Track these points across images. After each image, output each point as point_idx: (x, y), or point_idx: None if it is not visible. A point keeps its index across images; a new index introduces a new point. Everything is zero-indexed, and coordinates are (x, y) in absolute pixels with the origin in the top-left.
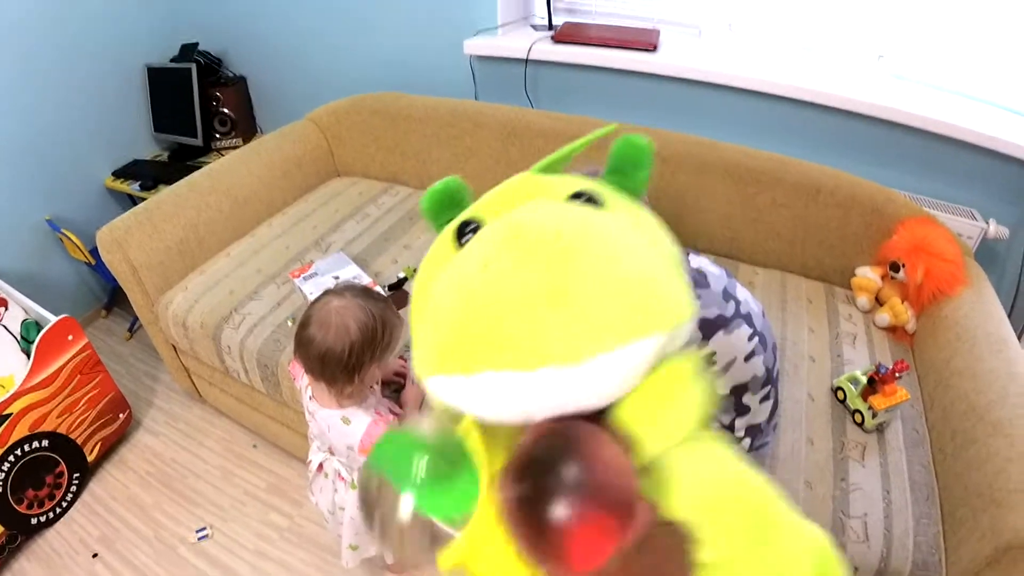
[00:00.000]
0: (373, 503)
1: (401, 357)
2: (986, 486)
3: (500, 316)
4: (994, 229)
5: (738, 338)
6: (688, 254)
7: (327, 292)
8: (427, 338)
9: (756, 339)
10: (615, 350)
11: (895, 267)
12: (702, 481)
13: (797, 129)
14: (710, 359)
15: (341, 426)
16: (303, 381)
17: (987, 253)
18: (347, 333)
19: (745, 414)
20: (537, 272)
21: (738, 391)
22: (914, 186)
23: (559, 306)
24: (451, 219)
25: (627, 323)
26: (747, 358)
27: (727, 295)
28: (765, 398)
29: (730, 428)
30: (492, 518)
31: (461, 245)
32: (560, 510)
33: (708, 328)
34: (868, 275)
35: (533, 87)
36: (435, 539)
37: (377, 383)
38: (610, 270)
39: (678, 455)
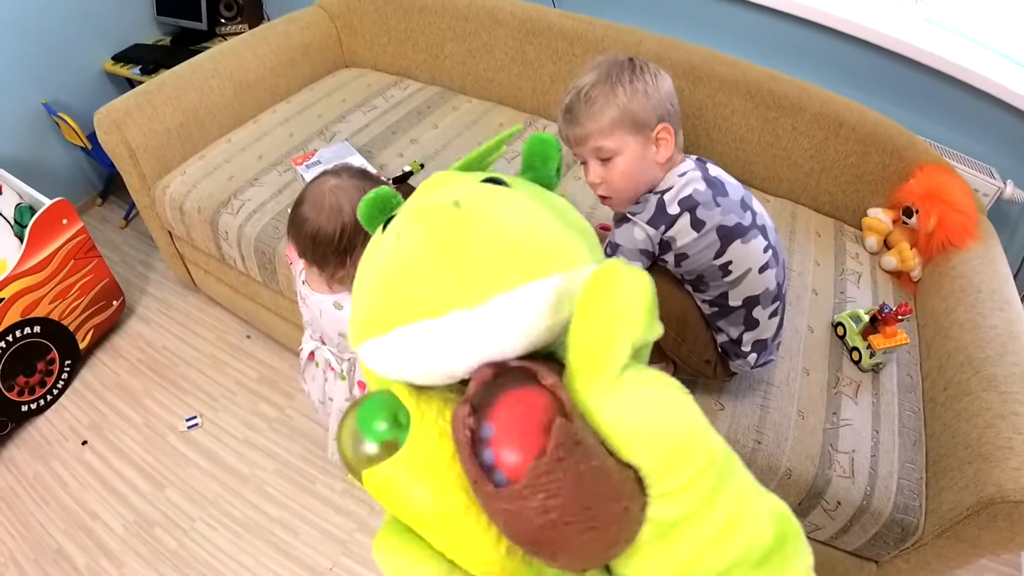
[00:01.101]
0: (346, 452)
1: None
2: (974, 439)
3: (407, 275)
4: (1011, 190)
5: (754, 248)
6: (706, 163)
7: (324, 172)
8: (355, 314)
9: (770, 252)
10: (508, 291)
11: (908, 212)
12: (654, 420)
13: (826, 58)
14: (726, 268)
15: (332, 311)
16: (298, 265)
17: (1000, 214)
18: (340, 213)
19: (754, 328)
20: (438, 234)
21: (749, 303)
22: (936, 134)
23: (458, 258)
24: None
25: (520, 267)
26: (761, 270)
27: (744, 205)
28: (774, 313)
29: (738, 342)
30: (420, 461)
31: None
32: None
33: (726, 235)
34: (880, 217)
35: None
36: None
37: None
38: (502, 226)
39: (624, 389)
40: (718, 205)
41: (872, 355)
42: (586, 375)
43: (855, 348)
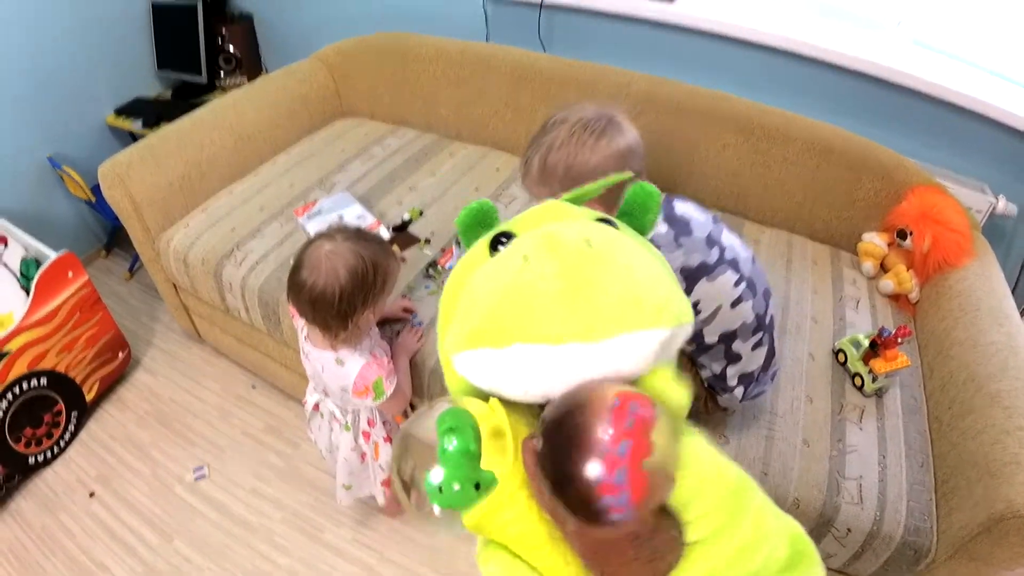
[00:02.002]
0: (404, 471)
1: (404, 296)
2: (981, 456)
3: (535, 299)
4: (1003, 205)
5: (723, 284)
6: (673, 200)
7: (319, 235)
8: (461, 321)
9: (743, 285)
10: (629, 333)
11: (902, 234)
12: (689, 467)
13: (812, 89)
14: (695, 307)
15: (335, 368)
16: (300, 321)
17: (994, 229)
18: (337, 279)
19: (736, 362)
20: (570, 267)
21: (726, 338)
22: (926, 155)
23: (587, 293)
24: (481, 235)
25: (640, 313)
26: (733, 304)
27: (711, 241)
28: (758, 344)
29: (722, 377)
30: (513, 484)
31: (494, 252)
32: (591, 462)
33: (691, 275)
34: (875, 241)
35: (547, 32)
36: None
37: (374, 325)
38: (630, 271)
39: None
40: (680, 246)
41: (874, 379)
42: None
43: (857, 373)
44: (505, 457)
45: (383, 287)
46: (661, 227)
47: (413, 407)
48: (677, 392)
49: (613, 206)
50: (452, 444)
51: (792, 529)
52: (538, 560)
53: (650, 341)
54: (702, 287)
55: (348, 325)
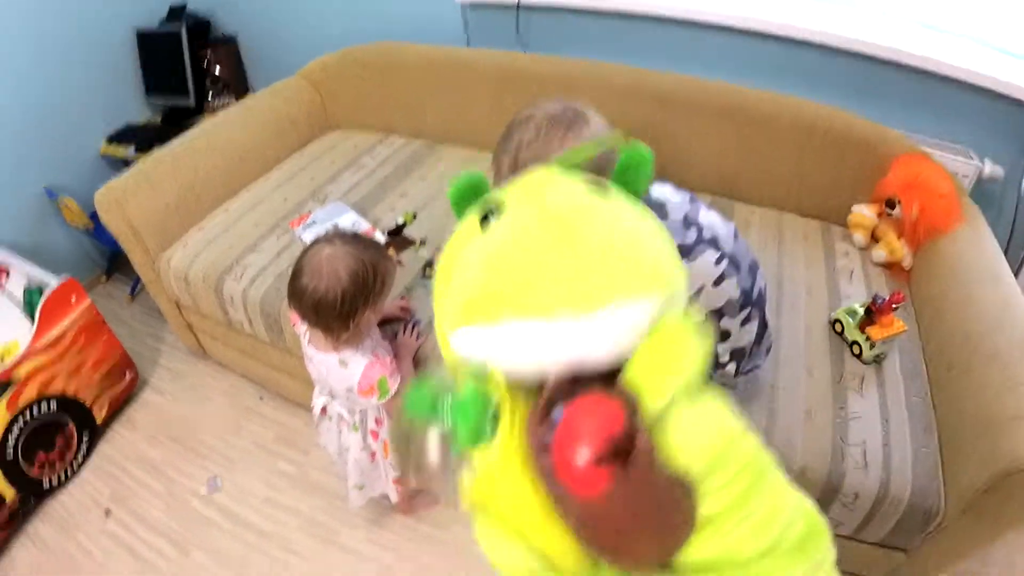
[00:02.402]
0: (406, 441)
1: (402, 297)
2: (983, 414)
3: (525, 272)
4: (989, 168)
5: (703, 264)
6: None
7: (317, 241)
8: (454, 296)
9: (724, 262)
10: (620, 304)
11: (891, 204)
12: (701, 434)
13: (790, 68)
14: None
15: (339, 369)
16: (302, 327)
17: (983, 193)
18: (338, 281)
19: (726, 339)
20: (558, 237)
21: (713, 316)
22: (909, 125)
23: (576, 265)
24: (473, 207)
25: (632, 283)
26: (716, 282)
27: (688, 222)
28: (747, 320)
29: (713, 355)
30: (509, 458)
31: (484, 224)
32: (558, 445)
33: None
34: (864, 212)
35: (526, 33)
36: (459, 475)
37: (375, 326)
38: (620, 239)
39: (680, 411)
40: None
41: (872, 346)
42: (643, 397)
43: (855, 342)
44: (503, 427)
45: (382, 288)
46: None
47: None
48: (686, 351)
49: (603, 174)
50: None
51: (807, 508)
52: (537, 536)
53: (643, 311)
54: (684, 265)
55: (350, 326)
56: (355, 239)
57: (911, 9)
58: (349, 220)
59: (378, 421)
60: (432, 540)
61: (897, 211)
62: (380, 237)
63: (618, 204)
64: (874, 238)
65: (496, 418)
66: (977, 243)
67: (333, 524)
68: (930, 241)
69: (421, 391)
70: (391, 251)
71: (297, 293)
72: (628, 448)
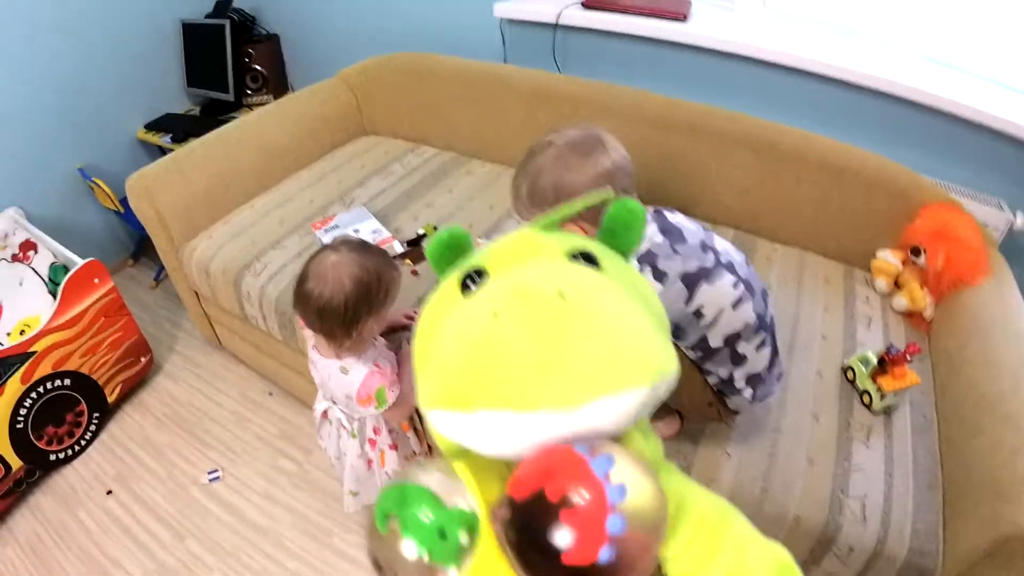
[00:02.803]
0: (379, 542)
1: (413, 307)
2: (990, 477)
3: (503, 361)
4: (1021, 221)
5: (722, 287)
6: (664, 211)
7: (324, 247)
8: (431, 375)
9: (741, 286)
10: (605, 398)
11: (916, 251)
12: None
13: (825, 107)
14: (699, 312)
15: (340, 376)
16: (308, 331)
17: (1013, 246)
18: (342, 288)
19: (742, 364)
20: (540, 326)
21: (731, 340)
22: (941, 172)
23: (558, 357)
24: (454, 265)
25: (617, 376)
26: (735, 306)
27: (705, 247)
28: (761, 345)
29: (730, 380)
30: (491, 553)
31: (465, 291)
32: (561, 531)
33: (691, 280)
34: (888, 258)
35: (562, 53)
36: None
37: (378, 335)
38: (605, 329)
39: None
40: (677, 253)
41: (883, 397)
42: None
43: (865, 391)
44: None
45: (387, 296)
46: (657, 237)
47: (421, 416)
48: (648, 447)
49: (598, 224)
50: (428, 515)
51: (780, 558)
52: None
53: (630, 402)
54: (703, 291)
55: (352, 334)
56: (362, 247)
57: (952, 55)
58: (370, 227)
59: (376, 430)
60: None
61: (922, 259)
62: (398, 247)
63: (603, 283)
64: (897, 285)
65: (473, 528)
66: (1001, 298)
67: (328, 525)
68: (954, 293)
69: (399, 490)
70: (408, 261)
71: (302, 298)
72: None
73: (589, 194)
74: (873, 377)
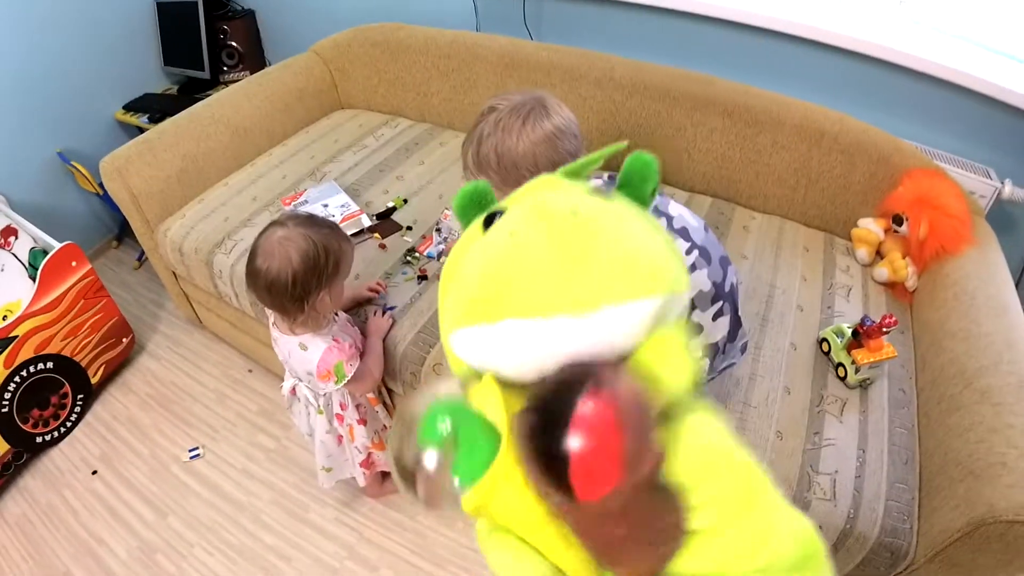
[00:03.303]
0: (403, 458)
1: (378, 280)
2: (966, 455)
3: (523, 272)
4: (1009, 190)
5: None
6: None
7: (272, 223)
8: (453, 299)
9: (695, 252)
10: (620, 304)
11: (898, 220)
12: (696, 448)
13: (806, 71)
14: None
15: (300, 352)
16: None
17: (1002, 215)
18: (289, 263)
19: (698, 333)
20: (557, 237)
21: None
22: (928, 138)
23: (575, 265)
24: (477, 215)
25: (631, 283)
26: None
27: (656, 212)
28: (719, 314)
29: None
30: (511, 464)
31: (487, 229)
32: (571, 436)
33: None
34: (870, 227)
35: (535, 20)
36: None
37: (335, 311)
38: (619, 240)
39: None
40: None
41: (857, 371)
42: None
43: (840, 364)
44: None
45: (336, 269)
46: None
47: (390, 390)
48: (679, 363)
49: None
50: (446, 425)
51: (804, 529)
52: (541, 541)
53: (642, 312)
54: None
55: (305, 308)
56: (309, 220)
57: (939, 17)
58: (339, 201)
59: (343, 405)
60: (399, 525)
61: (904, 228)
62: (366, 221)
63: (619, 207)
64: (879, 255)
65: (494, 440)
66: (986, 268)
67: (304, 500)
68: (937, 263)
69: (431, 418)
70: (376, 235)
71: (251, 275)
72: (642, 447)
73: (607, 146)
74: (848, 349)
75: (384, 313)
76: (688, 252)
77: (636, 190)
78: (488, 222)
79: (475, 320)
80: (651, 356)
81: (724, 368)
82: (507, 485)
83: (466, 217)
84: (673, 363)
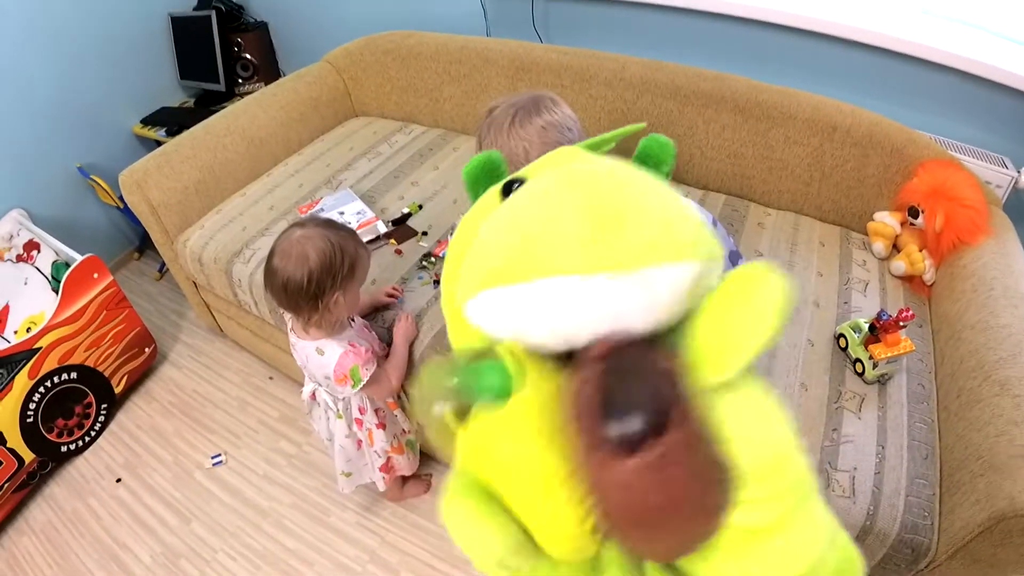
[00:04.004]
0: (418, 404)
1: (396, 286)
2: (986, 449)
3: (560, 231)
4: None
5: None
6: None
7: (292, 225)
8: (476, 264)
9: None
10: (661, 266)
11: (914, 212)
12: (762, 441)
13: (816, 65)
14: None
15: (317, 357)
16: (288, 314)
17: (1019, 205)
18: (306, 261)
19: None
20: (595, 197)
21: None
22: (942, 128)
23: (615, 224)
24: (487, 186)
25: (672, 246)
26: None
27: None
28: None
29: None
30: (519, 422)
31: (506, 197)
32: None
33: None
34: (886, 220)
35: (543, 23)
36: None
37: (352, 317)
38: (658, 204)
39: (731, 407)
40: None
41: (875, 366)
42: (714, 364)
43: (858, 359)
44: (519, 391)
45: (352, 272)
46: None
47: (407, 394)
48: (760, 314)
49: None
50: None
51: (842, 538)
52: (529, 510)
53: (681, 276)
54: None
55: (319, 307)
56: (328, 223)
57: (952, 7)
58: (355, 209)
59: (361, 410)
60: (419, 528)
61: (920, 220)
62: (382, 227)
63: (649, 176)
64: (896, 248)
65: (509, 382)
66: (1004, 259)
67: (325, 504)
68: (954, 255)
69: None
70: (392, 241)
71: (269, 274)
72: (677, 413)
73: (625, 127)
74: (866, 344)
75: (408, 315)
76: None
77: (651, 171)
78: (507, 191)
79: (506, 280)
80: (729, 304)
81: None
82: (509, 442)
83: (477, 187)
84: (755, 298)
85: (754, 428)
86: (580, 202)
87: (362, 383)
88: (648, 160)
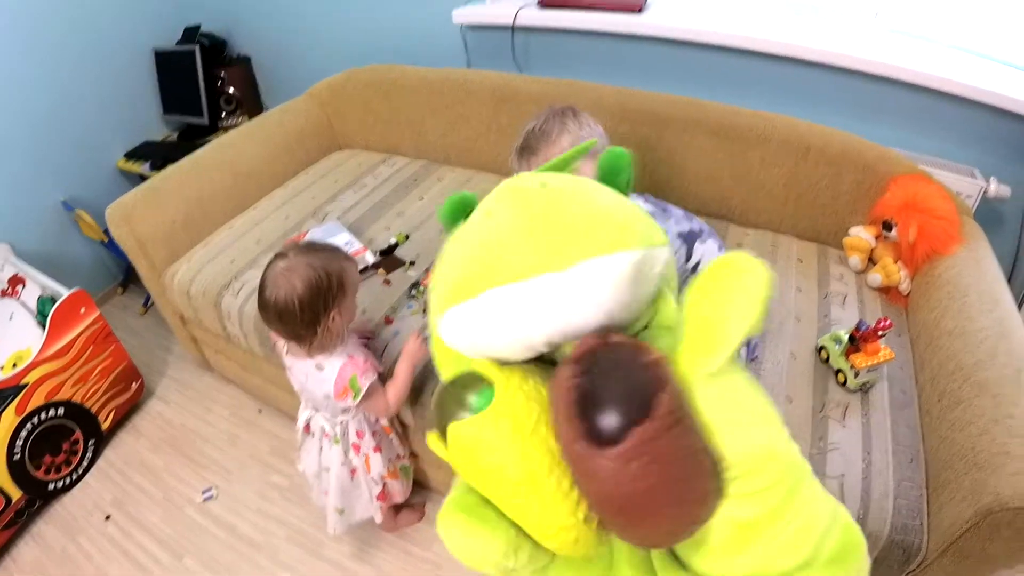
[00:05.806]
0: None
1: (387, 317)
2: (969, 448)
3: (500, 243)
4: (995, 188)
5: (712, 248)
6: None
7: (275, 256)
8: (439, 285)
9: (724, 250)
10: (594, 258)
11: (887, 226)
12: (747, 440)
13: (786, 88)
14: (696, 269)
15: (316, 374)
16: (281, 340)
17: (989, 213)
18: (293, 290)
19: None
20: (528, 206)
21: None
22: (912, 144)
23: (547, 227)
24: (461, 221)
25: (602, 238)
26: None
27: (688, 217)
28: None
29: None
30: (502, 426)
31: None
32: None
33: (688, 238)
34: (861, 234)
35: (523, 54)
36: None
37: (350, 332)
38: (587, 203)
39: (716, 397)
40: (669, 216)
41: (857, 375)
42: (698, 353)
43: (839, 370)
44: (497, 397)
45: (342, 288)
46: (647, 206)
47: (404, 424)
48: (748, 297)
49: None
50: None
51: (843, 517)
52: (520, 509)
53: (620, 264)
54: (699, 249)
55: (318, 330)
56: (309, 248)
57: (910, 24)
58: (342, 240)
59: (359, 434)
60: (415, 558)
61: (894, 233)
62: (370, 258)
63: (586, 180)
64: (872, 261)
65: (485, 391)
66: (976, 266)
67: (320, 537)
68: (928, 264)
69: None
70: (381, 271)
71: (263, 307)
72: (655, 404)
73: (583, 143)
74: (846, 355)
75: (418, 333)
76: (720, 249)
77: (611, 183)
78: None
79: (461, 298)
80: (711, 293)
81: (752, 359)
82: (495, 446)
83: (452, 224)
84: (736, 300)
85: (739, 418)
86: (515, 212)
87: (361, 392)
88: (608, 171)
